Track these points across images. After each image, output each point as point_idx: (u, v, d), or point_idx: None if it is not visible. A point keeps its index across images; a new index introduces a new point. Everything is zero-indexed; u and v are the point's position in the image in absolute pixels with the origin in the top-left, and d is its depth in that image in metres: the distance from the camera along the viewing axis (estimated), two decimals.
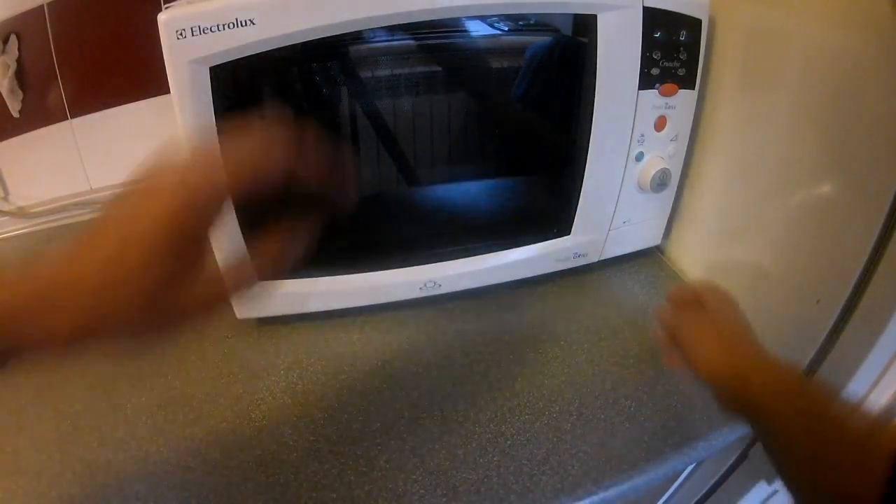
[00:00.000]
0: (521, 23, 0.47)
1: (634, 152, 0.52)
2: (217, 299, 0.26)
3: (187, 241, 0.23)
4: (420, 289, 0.54)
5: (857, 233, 0.40)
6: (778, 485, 0.48)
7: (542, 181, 0.57)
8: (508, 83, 0.51)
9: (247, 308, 0.51)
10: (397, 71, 0.47)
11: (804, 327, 0.45)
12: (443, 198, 0.57)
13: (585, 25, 0.45)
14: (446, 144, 0.56)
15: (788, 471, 0.30)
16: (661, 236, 0.60)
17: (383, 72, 0.47)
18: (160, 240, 0.22)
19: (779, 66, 0.46)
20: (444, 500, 0.38)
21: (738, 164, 0.52)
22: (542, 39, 0.49)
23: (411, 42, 0.46)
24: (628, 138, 0.51)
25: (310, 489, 0.39)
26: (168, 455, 0.41)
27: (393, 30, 0.43)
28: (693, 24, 0.48)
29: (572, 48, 0.48)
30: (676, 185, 0.57)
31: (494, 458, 0.40)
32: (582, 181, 0.52)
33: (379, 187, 0.54)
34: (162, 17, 0.36)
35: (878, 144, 0.38)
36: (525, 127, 0.54)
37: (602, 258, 0.59)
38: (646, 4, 0.45)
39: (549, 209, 0.57)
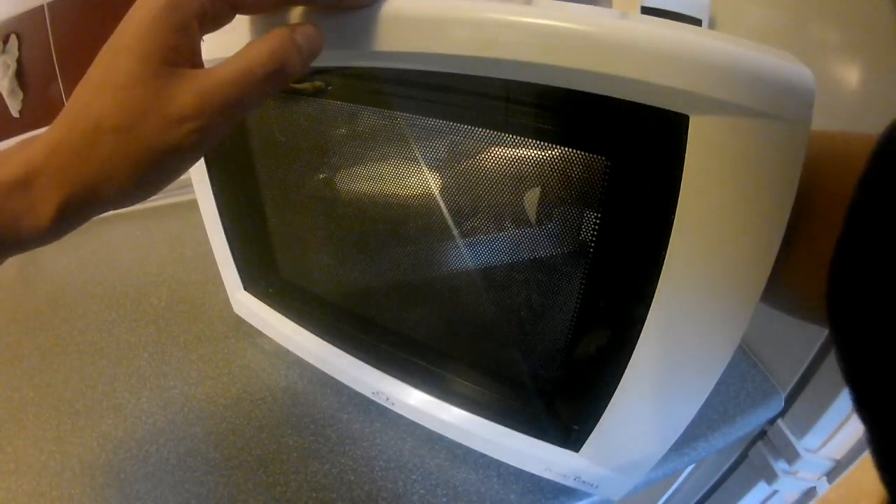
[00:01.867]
0: (548, 124, 0.27)
1: None
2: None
3: (176, 37, 0.21)
4: (372, 394, 0.43)
5: None
6: (778, 485, 0.48)
7: (562, 348, 0.33)
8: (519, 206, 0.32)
9: (239, 307, 0.51)
10: (394, 149, 0.34)
11: (807, 325, 0.45)
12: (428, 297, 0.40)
13: (660, 136, 0.23)
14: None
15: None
16: None
17: (383, 149, 0.35)
18: (147, 42, 0.20)
19: None
20: (444, 500, 0.38)
21: None
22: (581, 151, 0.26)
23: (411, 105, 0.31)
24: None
25: (310, 489, 0.39)
26: (168, 455, 0.41)
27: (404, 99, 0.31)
28: (693, 25, 0.48)
29: (627, 171, 0.25)
30: None
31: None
32: (617, 383, 0.30)
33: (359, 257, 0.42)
34: None
35: None
36: (543, 277, 0.33)
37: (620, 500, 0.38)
38: (644, 4, 0.45)
39: (559, 398, 0.36)
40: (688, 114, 0.21)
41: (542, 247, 0.31)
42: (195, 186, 0.43)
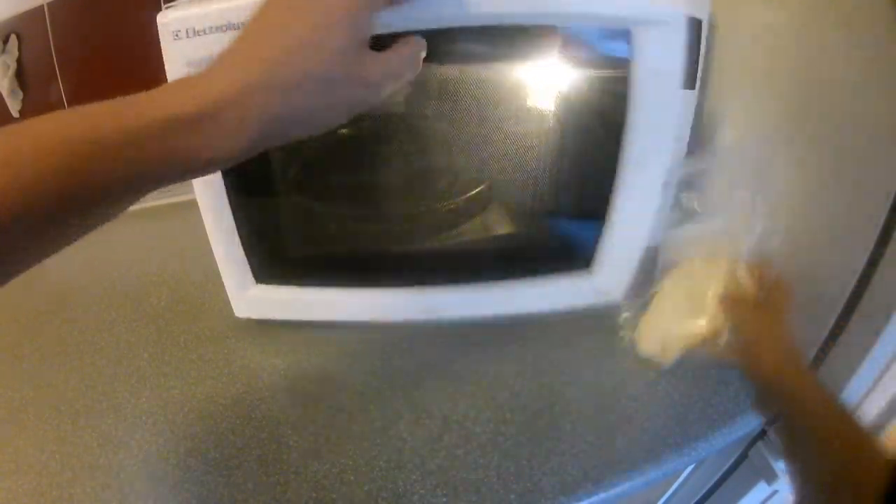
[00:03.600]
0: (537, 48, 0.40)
1: None
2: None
3: None
4: (422, 311, 0.51)
5: (858, 232, 0.40)
6: (778, 485, 0.48)
7: (561, 204, 0.49)
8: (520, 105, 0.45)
9: (245, 308, 0.51)
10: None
11: (805, 328, 0.45)
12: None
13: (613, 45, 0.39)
14: (452, 165, 0.50)
15: (793, 453, 0.33)
16: None
17: None
18: (359, 19, 0.26)
19: (779, 65, 0.46)
20: (444, 500, 0.38)
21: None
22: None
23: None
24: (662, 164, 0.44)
25: (310, 489, 0.39)
26: (168, 455, 0.41)
27: None
28: (694, 24, 0.48)
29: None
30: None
31: (494, 459, 0.40)
32: (607, 208, 0.45)
33: (381, 198, 0.51)
34: (160, 18, 0.36)
35: (878, 144, 0.38)
36: (544, 151, 0.46)
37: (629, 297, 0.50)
38: None
39: (568, 238, 0.51)
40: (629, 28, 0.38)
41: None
42: (195, 186, 0.43)
